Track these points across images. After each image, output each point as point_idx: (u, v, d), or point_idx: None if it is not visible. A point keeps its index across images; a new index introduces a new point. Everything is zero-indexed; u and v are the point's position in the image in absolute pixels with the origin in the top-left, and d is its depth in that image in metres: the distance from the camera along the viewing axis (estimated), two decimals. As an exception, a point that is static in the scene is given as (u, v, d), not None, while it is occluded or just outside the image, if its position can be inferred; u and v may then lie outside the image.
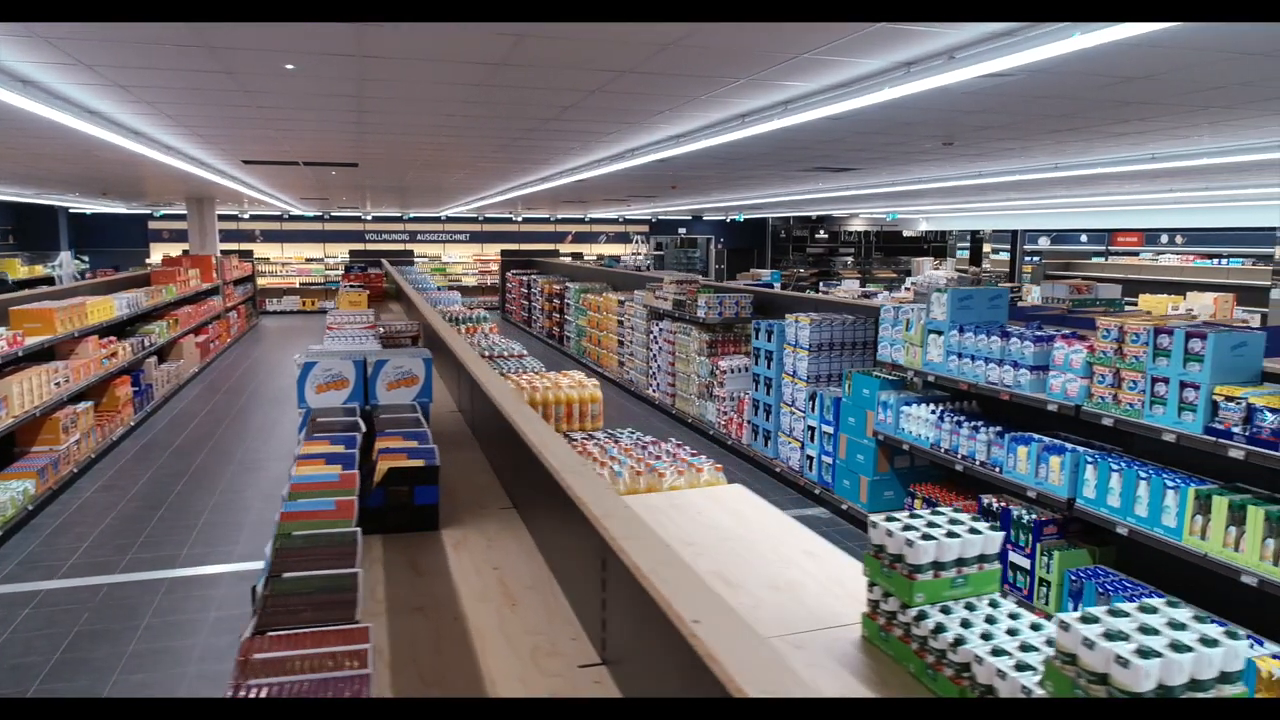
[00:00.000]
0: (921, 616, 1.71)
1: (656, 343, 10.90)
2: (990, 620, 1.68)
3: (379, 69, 4.75)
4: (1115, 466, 4.34)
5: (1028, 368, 4.93)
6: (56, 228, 19.68)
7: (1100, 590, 4.42)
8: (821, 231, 25.86)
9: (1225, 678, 1.29)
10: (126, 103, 5.68)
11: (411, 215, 23.85)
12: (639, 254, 23.59)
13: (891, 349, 6.22)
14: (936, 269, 23.94)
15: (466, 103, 5.56)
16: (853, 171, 10.19)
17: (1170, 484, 4.05)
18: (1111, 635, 1.32)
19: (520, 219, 24.73)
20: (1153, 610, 1.41)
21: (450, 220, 24.64)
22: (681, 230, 26.80)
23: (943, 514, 1.89)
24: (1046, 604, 4.77)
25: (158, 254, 20.35)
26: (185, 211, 21.26)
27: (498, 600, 2.08)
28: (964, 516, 1.87)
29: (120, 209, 20.33)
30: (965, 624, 1.68)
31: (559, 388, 4.68)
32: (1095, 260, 21.95)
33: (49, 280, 17.13)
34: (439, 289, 13.26)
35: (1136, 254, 23.04)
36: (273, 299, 22.79)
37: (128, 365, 9.31)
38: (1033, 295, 14.36)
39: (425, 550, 2.39)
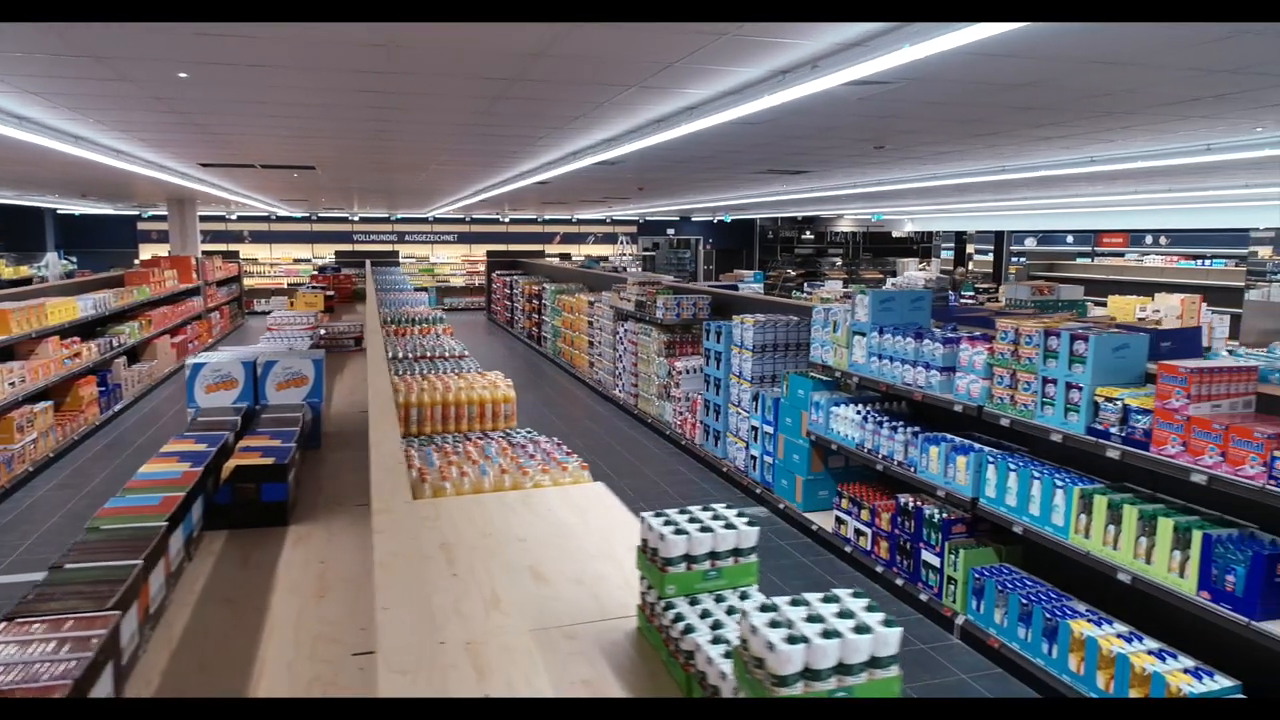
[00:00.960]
0: (668, 607, 1.81)
1: (622, 343, 10.99)
2: (730, 611, 1.77)
3: (280, 77, 4.84)
4: (1012, 466, 4.43)
5: (938, 369, 5.02)
6: (43, 229, 19.85)
7: (1000, 588, 4.52)
8: (808, 232, 25.92)
9: (875, 662, 1.38)
10: (49, 109, 5.78)
11: (399, 216, 23.98)
12: (625, 254, 23.67)
13: (822, 350, 6.31)
14: (921, 270, 24.00)
15: (380, 109, 5.63)
16: (807, 174, 10.28)
17: (1059, 483, 4.14)
18: (777, 624, 1.41)
19: (507, 220, 24.84)
20: (834, 600, 1.51)
21: (438, 221, 24.76)
22: (670, 231, 26.88)
23: (712, 510, 1.98)
24: (954, 601, 4.85)
25: (147, 254, 20.50)
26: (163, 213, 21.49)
27: (308, 593, 2.17)
28: (729, 513, 1.96)
29: (108, 210, 20.48)
30: (705, 614, 1.77)
31: (473, 388, 4.77)
32: (1080, 261, 22.00)
33: (30, 281, 17.28)
34: (415, 290, 13.42)
35: (1122, 255, 23.09)
36: (260, 299, 22.92)
37: (93, 365, 9.42)
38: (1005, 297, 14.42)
39: (263, 545, 2.48)
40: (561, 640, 1.93)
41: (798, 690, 1.35)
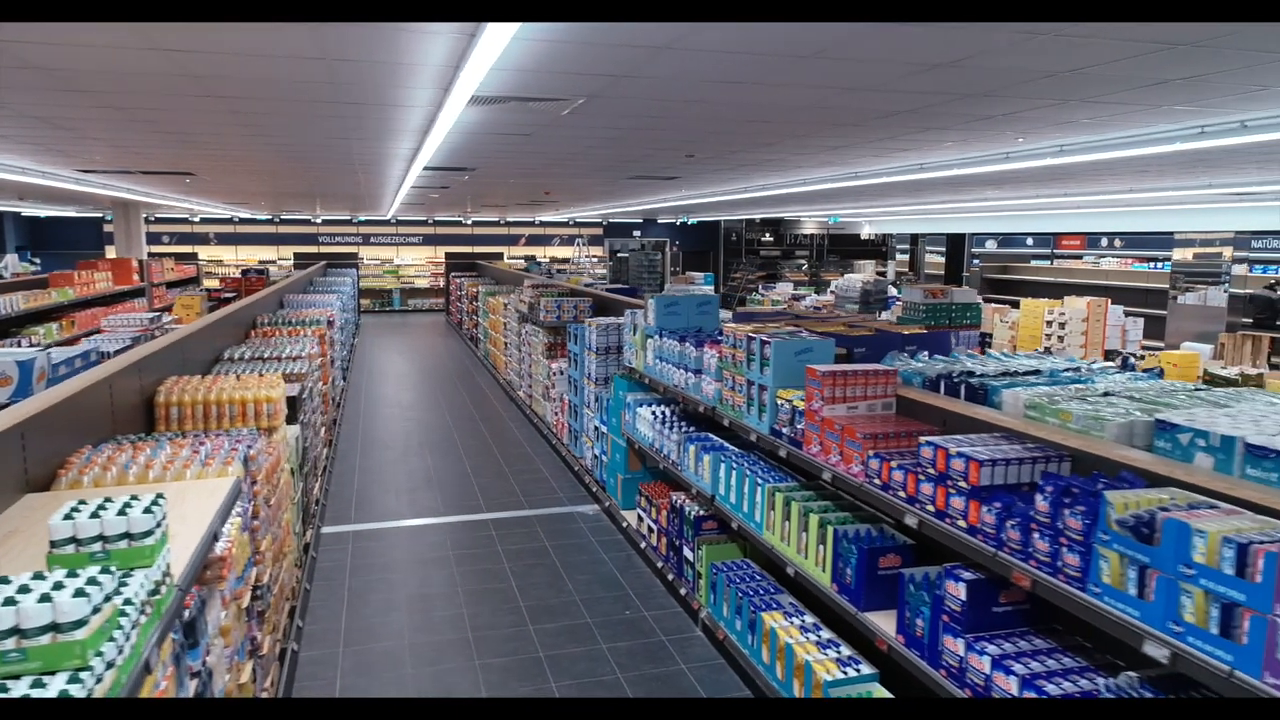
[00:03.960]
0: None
1: (525, 345, 11.21)
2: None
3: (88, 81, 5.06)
4: (734, 465, 4.61)
5: (692, 371, 5.20)
6: (2, 230, 20.25)
7: (728, 583, 4.70)
8: (768, 235, 26.04)
9: (56, 627, 1.59)
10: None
11: (362, 219, 24.27)
12: (583, 256, 23.88)
13: (629, 353, 6.50)
14: (881, 272, 24.10)
15: (207, 113, 5.82)
16: (678, 180, 10.50)
17: (760, 481, 4.32)
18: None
19: (470, 221, 25.10)
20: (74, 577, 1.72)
21: (402, 223, 25.05)
22: (636, 233, 27.07)
23: (135, 499, 2.18)
24: (700, 595, 5.04)
25: (114, 255, 20.84)
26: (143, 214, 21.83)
27: None
28: (148, 498, 2.16)
29: (72, 213, 20.86)
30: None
31: (245, 388, 4.98)
32: (1035, 264, 22.04)
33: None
34: (372, 290, 13.67)
35: (1080, 257, 23.14)
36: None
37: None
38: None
39: None
40: None
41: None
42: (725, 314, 6.79)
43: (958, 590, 2.82)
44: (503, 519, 6.89)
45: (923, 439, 3.00)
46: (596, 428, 7.51)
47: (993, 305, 14.99)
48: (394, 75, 4.30)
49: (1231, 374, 10.25)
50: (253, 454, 3.93)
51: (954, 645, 2.82)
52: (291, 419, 5.86)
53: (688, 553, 5.21)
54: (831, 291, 19.48)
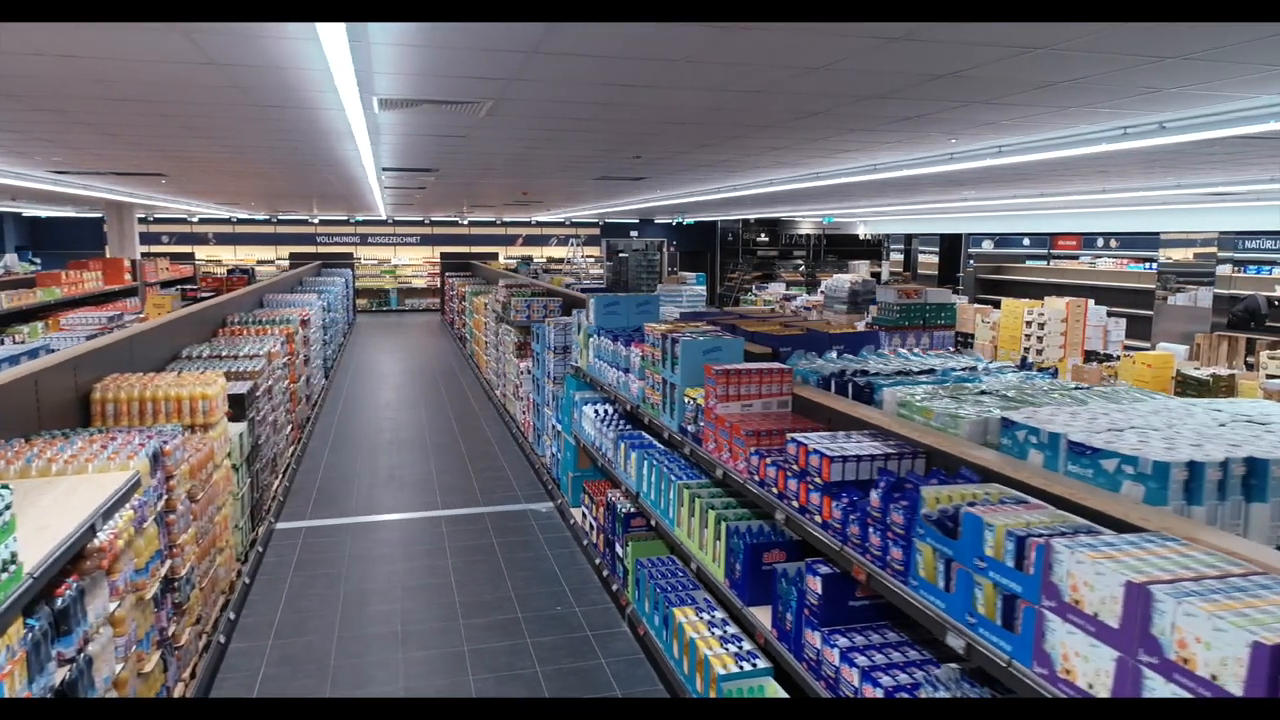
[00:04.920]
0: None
1: (501, 344, 11.30)
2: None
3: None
4: (655, 462, 4.67)
5: (623, 370, 5.27)
6: (1, 231, 20.54)
7: (649, 578, 4.76)
8: (763, 235, 26.06)
9: None
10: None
11: (359, 219, 24.44)
12: (577, 255, 23.97)
13: (575, 351, 6.56)
14: (875, 272, 24.07)
15: (137, 115, 5.92)
16: (645, 180, 10.57)
17: (674, 477, 4.37)
18: None
19: (466, 222, 25.22)
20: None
21: (399, 223, 25.20)
22: (634, 233, 27.13)
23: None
24: (628, 590, 5.10)
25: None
26: (141, 214, 22.06)
27: None
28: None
29: (71, 213, 21.10)
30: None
31: (181, 385, 5.08)
32: (1029, 264, 21.97)
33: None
34: (367, 291, 13.79)
35: (1076, 258, 23.03)
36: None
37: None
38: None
39: None
40: None
41: None
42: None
43: (815, 584, 2.87)
44: (456, 515, 6.97)
45: (789, 435, 3.06)
46: (553, 426, 7.58)
47: (975, 306, 14.98)
48: (284, 78, 4.36)
49: (1204, 375, 10.23)
50: (168, 449, 4.01)
51: (813, 639, 2.88)
52: (239, 416, 5.97)
53: (619, 549, 5.28)
54: (821, 292, 19.54)
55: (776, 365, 3.87)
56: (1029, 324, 12.88)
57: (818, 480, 2.83)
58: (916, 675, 2.50)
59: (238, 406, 5.97)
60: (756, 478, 3.31)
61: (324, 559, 6.00)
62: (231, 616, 4.97)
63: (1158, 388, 10.72)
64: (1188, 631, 1.53)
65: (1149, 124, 4.92)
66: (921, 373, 3.79)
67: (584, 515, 6.22)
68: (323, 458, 8.76)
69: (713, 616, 4.18)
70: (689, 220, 26.10)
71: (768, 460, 3.21)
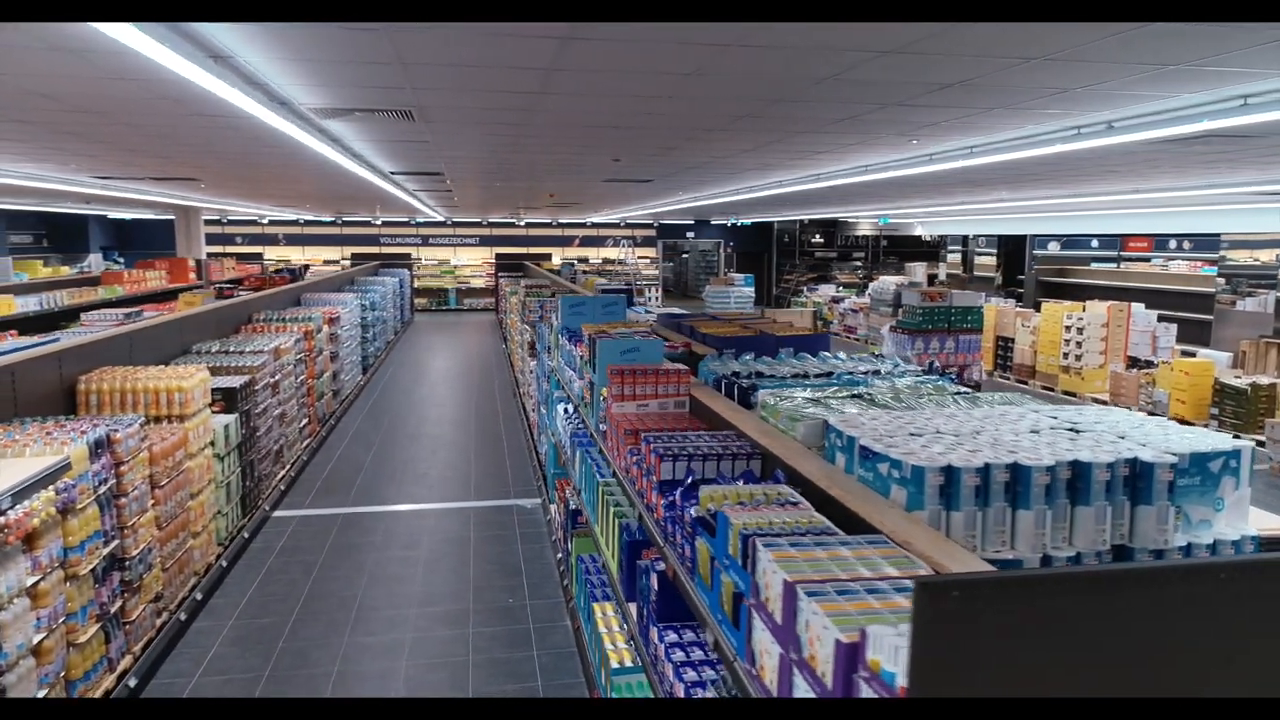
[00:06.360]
0: None
1: (523, 343, 11.54)
2: None
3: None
4: (590, 460, 4.75)
5: (574, 369, 5.36)
6: (86, 233, 21.91)
7: (585, 574, 4.85)
8: (817, 235, 25.74)
9: None
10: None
11: (420, 220, 25.15)
12: (629, 257, 24.15)
13: (549, 352, 6.69)
14: (932, 274, 23.53)
15: (109, 127, 6.32)
16: (651, 182, 10.66)
17: (599, 475, 4.45)
18: None
19: (523, 223, 25.68)
20: None
21: (458, 224, 25.83)
22: (690, 234, 27.18)
23: None
24: (572, 584, 5.20)
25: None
26: (214, 216, 23.24)
27: None
28: None
29: (149, 215, 22.36)
30: None
31: (160, 379, 5.40)
32: (1095, 267, 21.10)
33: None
34: (424, 291, 14.24)
35: (1147, 259, 22.05)
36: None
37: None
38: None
39: None
40: None
41: None
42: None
43: (654, 581, 2.93)
44: (442, 509, 7.19)
45: (643, 434, 3.12)
46: (546, 423, 7.74)
47: (1017, 310, 14.54)
48: (185, 90, 4.56)
49: (1242, 384, 9.71)
50: (116, 437, 4.30)
51: (653, 634, 2.94)
52: (230, 408, 6.30)
53: (569, 545, 5.38)
54: (868, 294, 19.24)
55: (675, 366, 3.92)
56: (1067, 328, 12.44)
57: (654, 479, 2.89)
58: (706, 674, 2.55)
59: (229, 399, 6.31)
60: (630, 476, 3.37)
61: (305, 547, 6.28)
62: (199, 597, 5.27)
63: (1196, 397, 10.25)
64: (814, 630, 1.56)
65: (1098, 124, 4.74)
66: (820, 376, 3.79)
67: (554, 512, 6.34)
68: (337, 450, 9.12)
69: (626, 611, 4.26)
70: (745, 221, 26.00)
71: (635, 459, 3.27)
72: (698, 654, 2.67)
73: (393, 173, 9.16)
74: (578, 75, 4.13)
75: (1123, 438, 2.42)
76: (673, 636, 2.81)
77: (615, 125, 5.85)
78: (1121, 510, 2.20)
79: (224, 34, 3.49)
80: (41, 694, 3.54)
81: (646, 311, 8.93)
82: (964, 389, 3.46)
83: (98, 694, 4.01)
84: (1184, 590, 1.11)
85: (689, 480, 2.59)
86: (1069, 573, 1.38)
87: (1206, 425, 10.12)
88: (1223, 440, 2.35)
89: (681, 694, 2.56)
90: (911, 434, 2.48)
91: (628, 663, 3.73)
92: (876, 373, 3.87)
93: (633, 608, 3.46)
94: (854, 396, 3.26)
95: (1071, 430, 2.55)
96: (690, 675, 2.56)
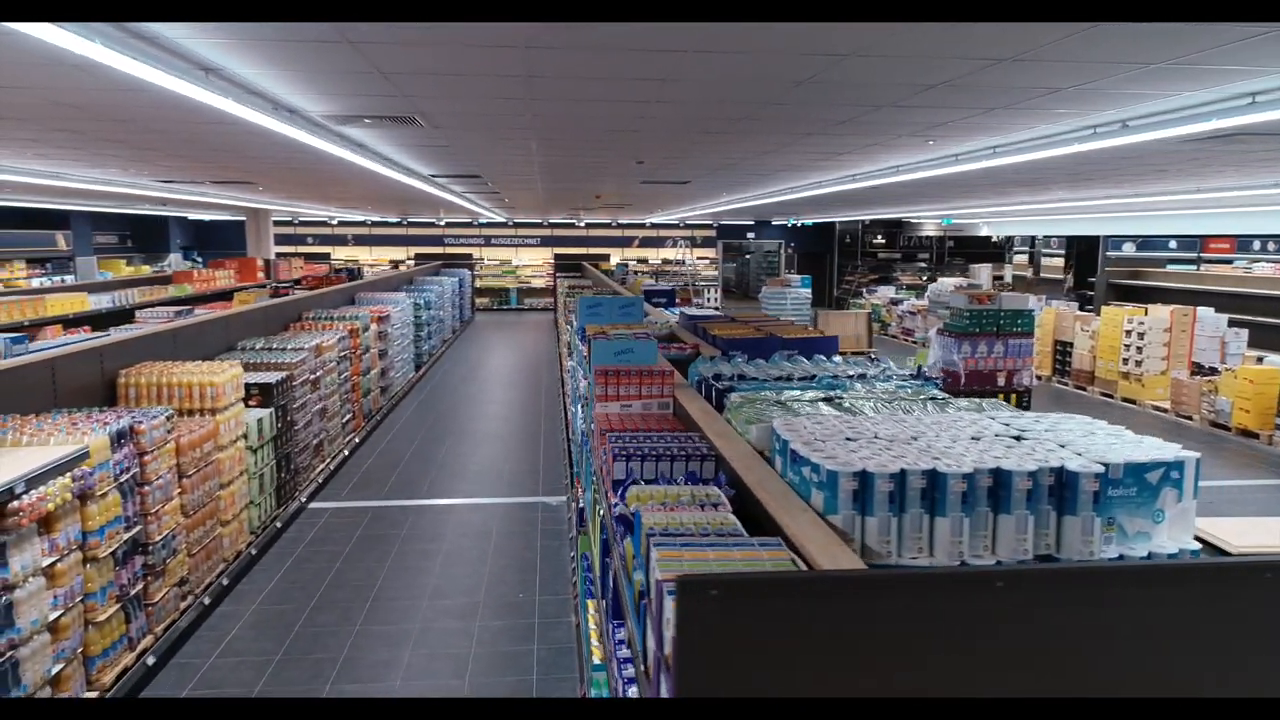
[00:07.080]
0: None
1: (565, 342, 11.71)
2: None
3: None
4: (587, 457, 4.82)
5: (583, 370, 5.44)
6: (167, 233, 22.99)
7: (585, 570, 4.93)
8: (879, 236, 25.30)
9: None
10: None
11: (483, 221, 25.63)
12: (686, 257, 24.15)
13: (571, 350, 6.78)
14: (998, 276, 22.92)
15: (145, 134, 6.65)
16: (689, 183, 10.67)
17: (592, 475, 4.52)
18: None
19: (584, 224, 25.93)
20: None
21: (520, 225, 26.24)
22: (750, 235, 27.04)
23: None
24: (578, 581, 5.28)
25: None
26: (286, 217, 24.12)
27: None
28: None
29: (224, 216, 23.34)
30: None
31: (193, 374, 5.68)
32: (1172, 269, 20.22)
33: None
34: (482, 291, 14.58)
35: (1230, 262, 21.06)
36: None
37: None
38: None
39: None
40: None
41: None
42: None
43: (610, 578, 2.98)
44: (470, 505, 7.36)
45: (609, 434, 3.17)
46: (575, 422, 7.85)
47: (1076, 314, 14.06)
48: (187, 104, 4.76)
49: (1309, 393, 9.20)
50: (140, 428, 4.55)
51: (608, 630, 2.98)
52: (267, 402, 6.57)
53: (577, 542, 5.47)
54: (926, 296, 18.86)
55: (662, 367, 3.95)
56: (1128, 333, 11.99)
57: (610, 479, 2.94)
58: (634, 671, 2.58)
59: (266, 394, 6.58)
60: (602, 474, 3.43)
61: (335, 538, 6.51)
62: (225, 582, 5.52)
63: (1261, 406, 9.76)
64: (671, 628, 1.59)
65: (1113, 124, 4.57)
66: (804, 379, 3.77)
67: (573, 509, 6.44)
68: (380, 445, 9.39)
69: (621, 610, 4.31)
70: (806, 222, 25.73)
71: (604, 458, 3.32)
72: (624, 651, 2.72)
73: (433, 176, 9.41)
74: (555, 82, 4.21)
75: (1062, 446, 2.37)
76: (621, 633, 2.85)
77: (611, 129, 5.92)
78: (1047, 520, 2.16)
79: (206, 49, 3.69)
80: (57, 669, 3.78)
81: (675, 313, 8.95)
82: (941, 395, 3.41)
83: (116, 670, 4.25)
84: (957, 600, 1.12)
85: (629, 480, 2.63)
86: (828, 575, 1.39)
87: (1272, 436, 9.64)
88: (1165, 451, 2.28)
89: (620, 691, 2.60)
90: (848, 438, 2.47)
91: (596, 660, 3.80)
92: (863, 376, 3.84)
93: (604, 604, 3.51)
94: (826, 400, 3.25)
95: (1014, 438, 2.51)
96: (628, 671, 2.61)
